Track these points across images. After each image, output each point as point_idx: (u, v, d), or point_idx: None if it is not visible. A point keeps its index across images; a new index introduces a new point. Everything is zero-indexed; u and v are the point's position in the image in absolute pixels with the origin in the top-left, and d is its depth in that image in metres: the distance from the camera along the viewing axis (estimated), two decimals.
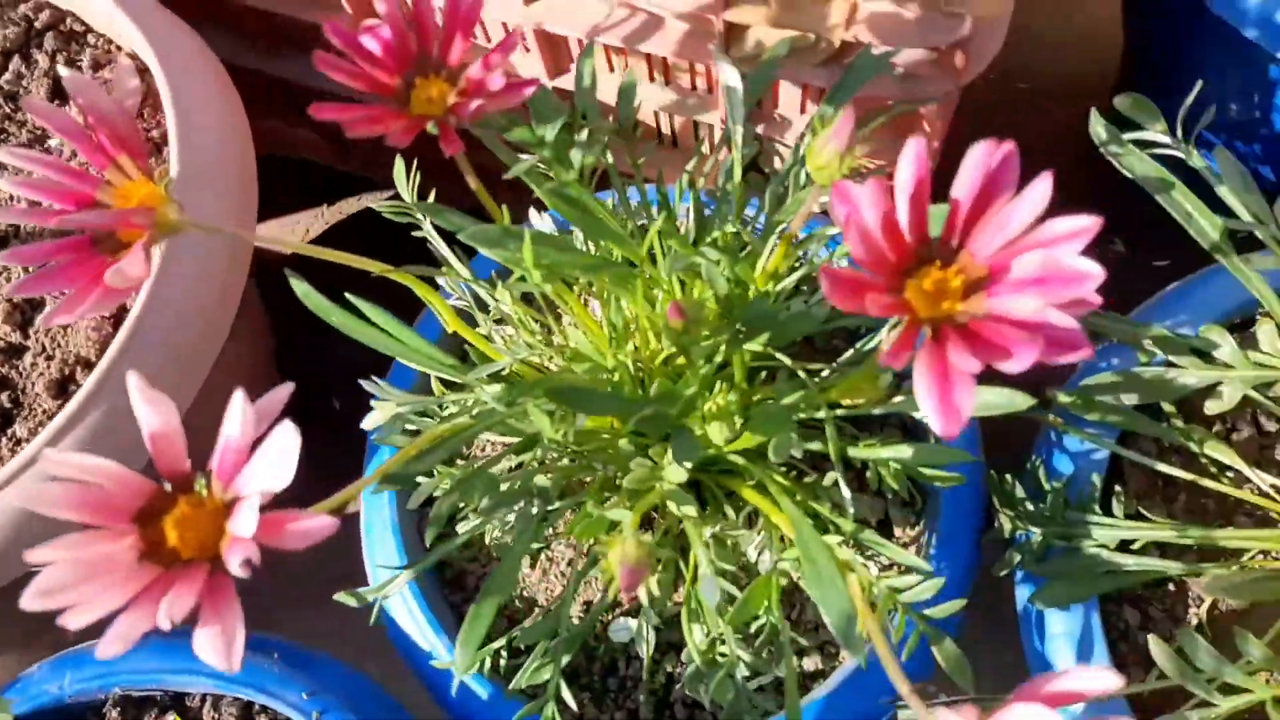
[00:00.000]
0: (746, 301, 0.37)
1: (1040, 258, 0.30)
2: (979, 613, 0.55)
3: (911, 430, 0.54)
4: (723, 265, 0.37)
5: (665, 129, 0.67)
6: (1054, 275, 0.30)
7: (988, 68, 0.85)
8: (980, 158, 0.31)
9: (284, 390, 0.28)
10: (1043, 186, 0.30)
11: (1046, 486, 0.50)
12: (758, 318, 0.36)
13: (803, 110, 0.59)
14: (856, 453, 0.41)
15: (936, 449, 0.39)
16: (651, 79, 0.61)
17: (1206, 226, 0.44)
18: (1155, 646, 0.40)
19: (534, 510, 0.38)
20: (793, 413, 0.36)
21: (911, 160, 0.30)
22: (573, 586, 0.41)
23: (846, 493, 0.39)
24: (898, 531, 0.54)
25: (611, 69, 0.62)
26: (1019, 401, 0.37)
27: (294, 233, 0.87)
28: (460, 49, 0.34)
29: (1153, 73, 0.81)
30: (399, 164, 0.48)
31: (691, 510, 0.37)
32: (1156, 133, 0.49)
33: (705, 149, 0.65)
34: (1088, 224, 0.30)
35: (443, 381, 0.48)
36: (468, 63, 0.36)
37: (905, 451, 0.39)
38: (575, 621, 0.48)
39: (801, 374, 0.41)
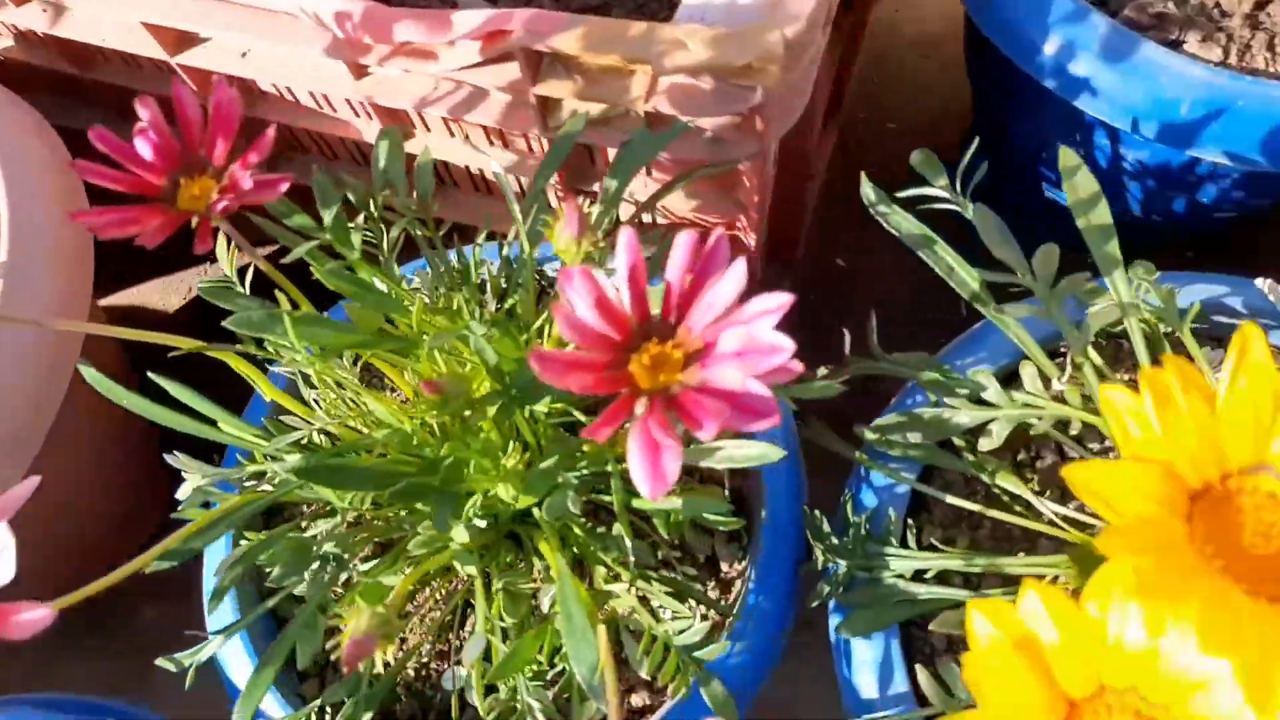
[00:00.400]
0: (517, 369, 0.39)
1: (741, 332, 0.33)
2: (820, 640, 0.58)
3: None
4: (493, 337, 0.40)
5: (515, 186, 0.70)
6: (752, 348, 0.33)
7: (860, 110, 0.90)
8: (686, 242, 0.34)
9: (26, 486, 0.30)
10: (739, 268, 0.33)
11: (852, 520, 0.53)
12: (525, 385, 0.39)
13: None
14: (638, 503, 0.44)
15: (703, 502, 0.42)
16: (490, 143, 0.64)
17: (966, 278, 0.48)
18: (922, 677, 0.43)
19: (325, 576, 0.40)
20: (557, 474, 0.39)
21: (625, 248, 0.33)
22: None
23: (628, 543, 0.42)
24: (724, 567, 0.56)
25: (452, 134, 0.65)
26: (771, 455, 0.40)
27: (177, 292, 0.89)
28: (223, 149, 0.37)
29: (989, 115, 0.86)
30: (221, 239, 0.50)
31: (473, 570, 0.40)
32: (938, 188, 0.53)
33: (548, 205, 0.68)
34: (782, 301, 0.33)
35: None
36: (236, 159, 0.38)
37: (676, 502, 0.42)
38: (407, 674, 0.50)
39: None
